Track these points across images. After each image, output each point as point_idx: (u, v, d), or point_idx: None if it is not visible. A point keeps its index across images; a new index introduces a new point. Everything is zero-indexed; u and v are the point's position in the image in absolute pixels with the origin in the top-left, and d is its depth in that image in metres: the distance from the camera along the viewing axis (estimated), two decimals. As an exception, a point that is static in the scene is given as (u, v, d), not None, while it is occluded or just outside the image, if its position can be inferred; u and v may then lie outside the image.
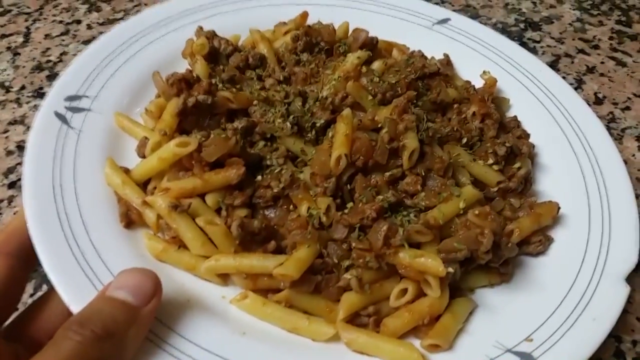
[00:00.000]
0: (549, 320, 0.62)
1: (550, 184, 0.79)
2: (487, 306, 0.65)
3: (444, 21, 1.03)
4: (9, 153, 0.85)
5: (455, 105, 0.85)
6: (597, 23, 1.02)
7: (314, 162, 0.70)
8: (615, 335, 0.66)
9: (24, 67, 0.66)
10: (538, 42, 0.99)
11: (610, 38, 0.99)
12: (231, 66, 0.85)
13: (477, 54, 0.98)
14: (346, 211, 0.66)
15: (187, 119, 0.75)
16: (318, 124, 0.75)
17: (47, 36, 0.71)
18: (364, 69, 0.82)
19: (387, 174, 0.70)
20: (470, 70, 0.96)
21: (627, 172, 0.78)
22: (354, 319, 0.61)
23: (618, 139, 0.82)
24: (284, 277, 0.59)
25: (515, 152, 0.78)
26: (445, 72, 0.90)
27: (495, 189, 0.74)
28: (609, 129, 0.73)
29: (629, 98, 0.86)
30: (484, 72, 0.94)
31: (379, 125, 0.74)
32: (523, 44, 0.84)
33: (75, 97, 0.77)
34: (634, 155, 0.80)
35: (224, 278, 0.64)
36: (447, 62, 0.95)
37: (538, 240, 0.70)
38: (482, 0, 1.08)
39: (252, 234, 0.64)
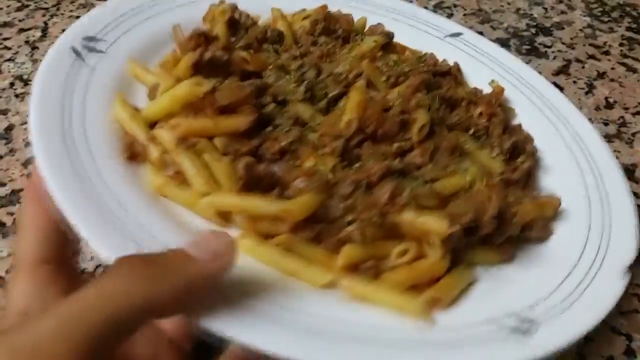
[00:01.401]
0: (556, 291, 0.61)
1: (551, 184, 0.80)
2: (486, 283, 0.64)
3: (456, 35, 1.07)
4: (28, 144, 0.84)
5: (464, 104, 0.87)
6: (608, 29, 1.05)
7: (323, 123, 0.70)
8: (626, 334, 0.66)
9: (41, 60, 0.67)
10: (549, 47, 1.03)
11: (621, 44, 1.02)
12: (250, 36, 0.86)
13: (485, 67, 1.01)
14: (353, 169, 0.66)
15: (201, 73, 0.75)
16: (330, 95, 0.75)
17: (64, 31, 0.73)
18: (380, 53, 0.84)
19: (396, 145, 0.70)
20: (478, 81, 0.98)
21: (625, 178, 0.80)
22: (352, 272, 0.60)
23: (629, 142, 0.85)
24: (287, 214, 0.58)
25: (520, 149, 0.79)
26: (455, 74, 0.93)
27: (498, 178, 0.75)
28: (619, 132, 0.75)
29: (639, 104, 0.89)
30: (492, 80, 0.96)
31: (390, 104, 0.76)
32: (534, 49, 0.88)
33: (93, 39, 0.77)
34: (644, 158, 0.81)
35: (225, 219, 0.62)
36: (457, 68, 0.98)
37: (540, 226, 0.70)
38: (494, 5, 1.12)
39: (257, 177, 0.63)
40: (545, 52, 1.02)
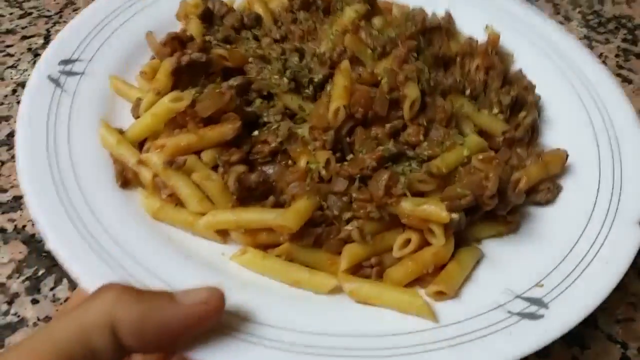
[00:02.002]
0: (560, 266, 0.60)
1: (558, 135, 0.77)
2: (495, 255, 0.63)
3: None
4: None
5: (458, 60, 0.83)
6: (604, 41, 1.03)
7: (312, 115, 0.68)
8: (621, 342, 0.66)
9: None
10: None
11: (617, 55, 1.00)
12: (226, 26, 0.83)
13: (479, 11, 0.95)
14: (346, 163, 0.64)
15: (182, 78, 0.73)
16: (316, 79, 0.72)
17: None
18: (362, 23, 0.79)
19: (388, 125, 0.68)
20: (472, 28, 0.93)
21: (636, 119, 0.76)
22: (356, 271, 0.60)
23: None
24: (283, 229, 0.58)
25: (521, 102, 0.76)
26: (447, 26, 0.87)
27: (501, 138, 0.72)
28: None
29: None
30: (487, 26, 0.91)
31: (379, 79, 0.72)
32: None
33: (69, 61, 0.76)
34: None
35: (223, 235, 0.62)
36: (448, 18, 0.92)
37: (547, 188, 0.68)
38: None
39: (250, 189, 0.62)
40: None
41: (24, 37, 0.97)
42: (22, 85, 0.90)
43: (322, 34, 0.80)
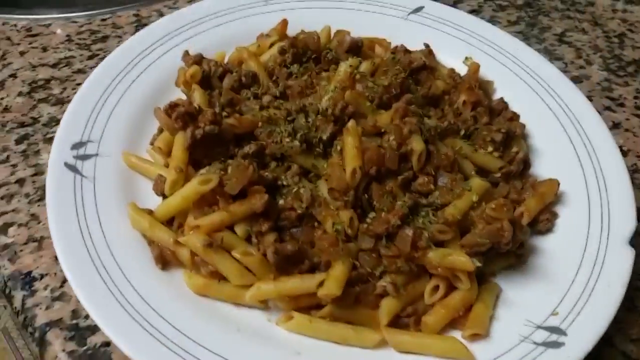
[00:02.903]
0: (569, 292, 0.68)
1: (544, 162, 0.84)
2: (510, 288, 0.71)
3: (418, 10, 1.06)
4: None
5: (447, 97, 0.89)
6: (623, 83, 1.10)
7: (330, 178, 0.73)
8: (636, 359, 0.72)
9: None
10: None
11: (635, 97, 1.07)
12: (226, 89, 0.86)
13: (456, 40, 1.02)
14: (369, 221, 0.70)
15: (197, 150, 0.77)
16: (324, 137, 0.77)
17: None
18: (357, 75, 0.84)
19: (400, 178, 0.74)
20: (451, 57, 0.99)
21: (615, 142, 0.84)
22: (395, 322, 0.66)
23: None
24: (328, 296, 0.63)
25: (510, 135, 0.83)
26: (430, 64, 0.94)
27: (499, 174, 0.79)
28: (632, 178, 0.81)
29: None
30: (466, 58, 0.98)
31: (382, 130, 0.78)
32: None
33: (80, 144, 0.78)
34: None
35: (264, 302, 0.67)
36: (429, 52, 0.99)
37: (546, 219, 0.76)
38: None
39: (287, 258, 0.67)
40: None
41: None
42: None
43: (321, 89, 0.84)
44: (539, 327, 0.65)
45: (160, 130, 0.83)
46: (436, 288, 0.67)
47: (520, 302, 0.69)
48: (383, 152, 0.73)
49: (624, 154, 0.94)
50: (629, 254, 0.70)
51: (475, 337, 0.64)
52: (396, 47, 0.98)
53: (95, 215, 0.71)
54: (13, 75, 1.00)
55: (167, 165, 0.78)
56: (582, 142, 0.85)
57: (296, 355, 0.62)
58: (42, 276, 0.73)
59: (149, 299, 0.64)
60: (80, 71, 1.02)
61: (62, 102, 0.96)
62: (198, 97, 0.82)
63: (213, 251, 0.66)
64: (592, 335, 0.63)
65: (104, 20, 1.12)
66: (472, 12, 1.25)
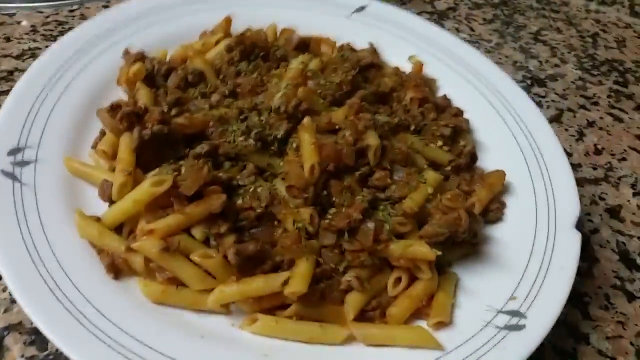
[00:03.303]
0: (524, 277, 0.70)
1: (489, 155, 0.87)
2: (467, 277, 0.72)
3: (361, 9, 1.07)
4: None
5: (395, 94, 0.90)
6: (597, 82, 1.13)
7: (288, 176, 0.72)
8: (611, 357, 0.74)
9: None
10: (543, 97, 1.10)
11: (609, 96, 1.11)
12: (172, 87, 0.83)
13: (398, 39, 1.04)
14: (329, 217, 0.69)
15: (145, 152, 0.73)
16: (279, 136, 0.76)
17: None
18: (309, 73, 0.84)
19: (357, 173, 0.74)
20: (394, 55, 1.01)
21: (552, 132, 0.89)
22: (360, 317, 0.66)
23: (615, 185, 0.94)
24: (294, 294, 0.62)
25: (457, 129, 0.85)
26: (376, 62, 0.95)
27: (449, 167, 0.81)
28: (606, 176, 0.85)
29: (625, 150, 0.98)
30: (411, 56, 1.00)
31: (337, 127, 0.78)
32: (531, 98, 0.95)
33: (17, 150, 0.72)
34: (629, 200, 0.92)
35: (226, 306, 0.65)
36: (373, 50, 1.00)
37: (496, 208, 0.78)
38: (493, 57, 1.17)
39: (248, 258, 0.65)
40: (540, 101, 1.09)
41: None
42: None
43: (272, 87, 0.83)
44: (499, 311, 0.67)
45: (103, 133, 0.78)
46: (398, 280, 0.68)
47: (479, 289, 0.70)
48: (340, 148, 0.73)
49: (598, 152, 0.98)
50: (576, 237, 0.74)
51: (439, 325, 0.65)
52: (342, 45, 0.98)
53: (38, 225, 0.66)
54: None
55: (112, 170, 0.74)
56: (523, 133, 0.89)
57: (264, 357, 0.60)
58: None
59: (105, 310, 0.60)
60: None
61: None
62: (143, 95, 0.79)
63: (170, 256, 0.63)
64: (551, 316, 0.65)
65: (71, 11, 1.08)
66: (449, 9, 1.28)
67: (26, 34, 1.02)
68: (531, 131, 0.89)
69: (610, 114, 1.06)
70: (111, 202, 0.71)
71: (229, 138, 0.75)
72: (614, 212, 0.89)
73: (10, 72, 0.94)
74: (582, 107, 1.07)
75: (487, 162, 0.86)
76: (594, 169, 0.95)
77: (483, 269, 0.73)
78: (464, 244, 0.74)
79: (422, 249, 0.65)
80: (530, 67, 1.10)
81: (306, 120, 0.75)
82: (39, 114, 0.77)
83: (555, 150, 0.86)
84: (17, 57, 0.97)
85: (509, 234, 0.77)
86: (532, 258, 0.73)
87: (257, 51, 0.91)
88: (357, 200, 0.70)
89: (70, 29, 1.01)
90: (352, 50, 0.96)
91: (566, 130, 1.01)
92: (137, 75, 0.81)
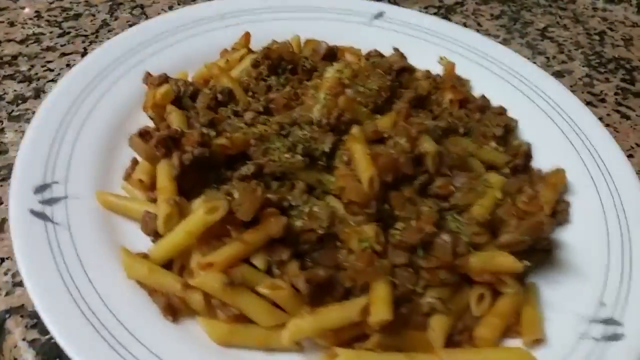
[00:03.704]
0: (608, 280, 0.65)
1: (540, 153, 0.82)
2: (545, 286, 0.67)
3: (380, 15, 1.03)
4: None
5: (433, 97, 0.86)
6: (604, 80, 1.11)
7: (345, 191, 0.66)
8: None
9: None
10: None
11: (616, 94, 1.09)
12: (202, 108, 0.77)
13: (423, 42, 1.00)
14: (396, 232, 0.64)
15: (186, 178, 0.67)
16: (326, 149, 0.70)
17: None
18: (346, 81, 0.79)
19: (417, 182, 0.69)
20: (419, 58, 0.96)
21: (602, 125, 0.85)
22: (447, 342, 0.60)
23: None
24: (379, 323, 0.55)
25: (508, 129, 0.81)
26: (408, 66, 0.90)
27: (506, 169, 0.77)
28: None
29: (632, 147, 0.96)
30: (441, 58, 0.96)
31: (384, 135, 0.73)
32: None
33: (44, 187, 0.65)
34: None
35: (299, 342, 0.58)
36: (400, 55, 0.95)
37: (562, 209, 0.73)
38: None
39: (319, 285, 0.59)
40: None
41: (63, 54, 0.98)
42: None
43: (309, 99, 0.77)
44: (592, 321, 0.61)
45: (135, 162, 0.72)
46: (480, 297, 0.62)
47: (562, 299, 0.65)
48: (396, 157, 0.68)
49: None
50: (651, 232, 0.70)
51: (535, 342, 0.59)
52: (369, 52, 0.93)
53: (79, 268, 0.59)
54: None
55: (151, 200, 0.68)
56: (572, 130, 0.85)
57: (353, 396, 0.54)
58: (2, 260, 0.65)
59: (167, 357, 0.53)
60: (50, 49, 0.98)
61: (29, 79, 0.91)
62: (176, 118, 0.72)
63: (234, 290, 0.57)
64: (648, 321, 0.60)
65: (76, -3, 1.07)
66: (456, 4, 1.25)
67: (30, 19, 1.03)
68: (579, 124, 0.85)
69: (618, 111, 1.04)
70: (156, 235, 0.64)
71: (273, 156, 0.69)
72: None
73: (14, 57, 0.95)
74: (590, 104, 1.04)
75: (540, 160, 0.82)
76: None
77: (559, 276, 0.68)
78: (537, 251, 0.69)
79: (506, 261, 0.60)
80: (537, 63, 1.07)
81: (355, 130, 0.70)
82: (62, 147, 0.70)
83: (609, 144, 0.82)
84: (21, 42, 0.98)
85: (579, 235, 0.72)
86: (610, 258, 0.68)
87: (284, 64, 0.85)
88: (424, 211, 0.65)
89: (75, 15, 1.05)
90: (381, 56, 0.92)
91: None
92: (166, 98, 0.75)
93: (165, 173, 0.66)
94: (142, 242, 0.65)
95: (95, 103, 0.77)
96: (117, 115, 0.78)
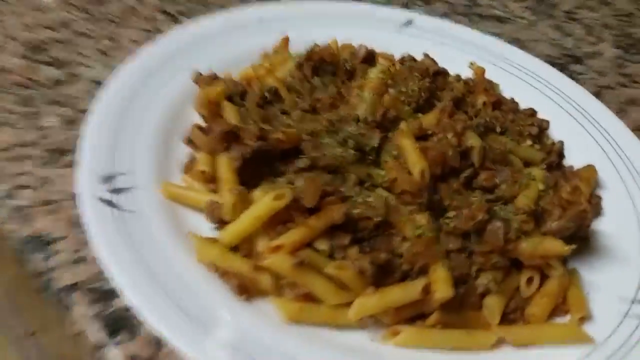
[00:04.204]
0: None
1: (569, 152, 0.88)
2: (584, 271, 0.71)
3: (409, 23, 1.08)
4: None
5: (468, 100, 0.90)
6: (636, 61, 1.13)
7: (397, 182, 0.70)
8: None
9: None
10: (582, 74, 1.10)
11: None
12: (252, 106, 0.81)
13: (451, 49, 1.05)
14: (448, 220, 0.68)
15: (245, 170, 0.71)
16: (375, 144, 0.74)
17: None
18: (389, 81, 0.83)
19: (463, 175, 0.73)
20: (449, 64, 1.01)
21: (622, 123, 0.90)
22: (501, 320, 0.63)
23: None
24: (442, 300, 0.59)
25: (541, 128, 0.86)
26: (442, 70, 0.95)
27: (543, 166, 0.81)
28: None
29: None
30: (471, 63, 1.01)
31: (429, 132, 0.77)
32: (569, 75, 0.96)
33: (110, 177, 0.68)
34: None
35: (363, 319, 0.62)
36: (432, 60, 1.00)
37: (596, 202, 0.78)
38: (529, 35, 1.17)
39: (382, 267, 0.62)
40: (580, 78, 1.09)
41: (93, 39, 0.98)
42: (96, 81, 0.88)
43: (354, 98, 0.81)
44: (633, 301, 0.65)
45: (192, 157, 0.75)
46: (529, 280, 0.66)
47: (602, 282, 0.69)
48: (444, 151, 0.72)
49: None
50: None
51: (582, 320, 0.63)
52: (403, 57, 0.98)
53: (154, 252, 0.62)
54: (7, 36, 0.94)
55: (211, 192, 0.71)
56: (596, 129, 0.90)
57: (419, 370, 0.57)
58: (59, 239, 0.66)
59: (245, 331, 0.56)
60: (82, 34, 0.98)
61: (62, 64, 0.92)
62: (232, 114, 0.76)
63: (303, 271, 0.60)
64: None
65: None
66: None
67: (57, 5, 1.04)
68: (602, 125, 0.90)
69: None
70: (221, 223, 0.67)
71: (325, 151, 0.73)
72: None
73: (45, 42, 0.95)
74: (622, 85, 1.07)
75: (569, 158, 0.86)
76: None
77: (597, 262, 0.72)
78: (576, 239, 0.73)
79: (555, 245, 0.64)
80: (566, 44, 1.10)
81: (404, 125, 0.75)
82: (124, 141, 0.74)
83: (630, 139, 0.87)
84: (50, 28, 0.98)
85: (612, 225, 0.76)
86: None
87: (325, 66, 0.89)
88: (473, 201, 0.69)
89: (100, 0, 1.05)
90: (414, 60, 0.96)
91: (607, 107, 1.00)
92: (220, 95, 0.79)
93: (226, 165, 0.70)
94: (203, 231, 0.68)
95: (147, 102, 0.80)
96: (168, 112, 0.81)
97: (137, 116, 0.78)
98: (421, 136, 0.78)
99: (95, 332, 0.59)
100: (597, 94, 1.05)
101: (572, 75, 1.04)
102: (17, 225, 0.68)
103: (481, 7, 1.21)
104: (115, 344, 0.58)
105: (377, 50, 1.01)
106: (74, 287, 0.62)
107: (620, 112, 1.02)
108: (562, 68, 0.91)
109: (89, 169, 0.68)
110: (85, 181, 0.66)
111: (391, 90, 0.82)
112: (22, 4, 1.01)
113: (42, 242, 0.66)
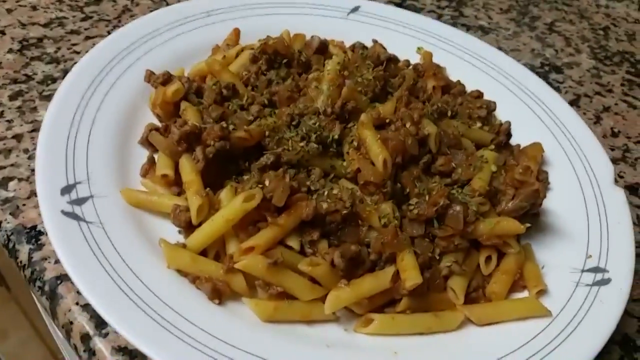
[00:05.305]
0: (590, 236, 0.75)
1: (515, 131, 0.92)
2: (537, 246, 0.76)
3: (356, 9, 1.09)
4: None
5: (418, 85, 0.93)
6: (610, 71, 1.21)
7: (361, 173, 0.71)
8: (637, 317, 0.76)
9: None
10: (561, 83, 1.18)
11: (622, 84, 1.19)
12: (209, 103, 0.80)
13: (398, 34, 1.07)
14: (411, 207, 0.70)
15: (209, 171, 0.70)
16: (337, 136, 0.76)
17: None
18: (345, 72, 0.84)
19: (422, 162, 0.75)
20: (396, 49, 1.03)
21: (564, 100, 0.96)
22: (464, 300, 0.67)
23: (632, 165, 1.01)
24: (412, 287, 0.62)
25: (489, 110, 0.89)
26: (393, 56, 0.97)
27: (492, 146, 0.85)
28: (624, 157, 0.94)
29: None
30: (418, 48, 1.03)
31: (387, 121, 0.79)
32: (549, 84, 1.01)
33: (69, 188, 0.66)
34: (646, 179, 0.99)
35: (335, 313, 0.64)
36: (381, 46, 1.02)
37: (543, 179, 0.83)
38: (512, 45, 1.24)
39: (352, 260, 0.64)
40: (558, 87, 1.16)
41: (88, 37, 1.02)
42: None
43: (312, 91, 0.82)
44: (582, 270, 0.71)
45: (151, 160, 0.74)
46: (488, 258, 0.70)
47: (554, 256, 0.74)
48: (403, 140, 0.74)
49: (615, 135, 1.07)
50: (620, 192, 0.80)
51: (539, 293, 0.67)
52: (354, 44, 0.99)
53: (121, 262, 0.61)
54: (1, 32, 0.97)
55: (175, 195, 0.71)
56: (539, 107, 0.95)
57: (394, 356, 0.60)
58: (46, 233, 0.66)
59: (221, 336, 0.57)
60: (74, 32, 1.01)
61: (57, 61, 0.95)
62: (191, 114, 0.75)
63: (277, 270, 0.61)
64: (629, 265, 0.70)
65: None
66: None
67: (52, 3, 1.06)
68: (545, 103, 0.95)
69: (625, 101, 1.15)
70: (187, 227, 0.67)
71: (287, 145, 0.74)
72: (632, 190, 0.96)
73: (40, 39, 0.98)
74: (598, 93, 1.15)
75: (516, 137, 0.91)
76: (612, 149, 1.04)
77: (547, 237, 0.77)
78: (527, 216, 0.77)
79: (511, 224, 0.68)
80: (547, 55, 1.18)
81: (364, 117, 0.76)
82: (77, 148, 0.71)
83: (572, 117, 0.92)
84: (45, 26, 1.01)
85: (559, 201, 0.81)
86: (589, 219, 0.77)
87: (279, 58, 0.89)
88: (433, 187, 0.71)
89: (96, 0, 1.09)
90: (364, 47, 0.98)
91: (584, 114, 1.10)
92: (176, 95, 0.77)
93: (189, 167, 0.69)
94: (169, 235, 0.67)
95: (98, 105, 0.78)
96: (121, 115, 0.79)
97: (90, 120, 0.76)
98: (379, 125, 0.80)
99: (83, 323, 0.61)
100: (575, 102, 1.14)
101: (552, 84, 1.12)
102: (5, 215, 0.70)
103: (467, 18, 1.28)
104: (102, 335, 0.60)
105: (327, 37, 1.02)
106: (62, 278, 0.64)
107: (596, 119, 1.10)
108: (543, 77, 0.98)
109: (46, 181, 0.66)
110: (44, 195, 0.64)
111: (348, 82, 0.83)
112: (16, 1, 1.04)
113: (30, 234, 0.68)
